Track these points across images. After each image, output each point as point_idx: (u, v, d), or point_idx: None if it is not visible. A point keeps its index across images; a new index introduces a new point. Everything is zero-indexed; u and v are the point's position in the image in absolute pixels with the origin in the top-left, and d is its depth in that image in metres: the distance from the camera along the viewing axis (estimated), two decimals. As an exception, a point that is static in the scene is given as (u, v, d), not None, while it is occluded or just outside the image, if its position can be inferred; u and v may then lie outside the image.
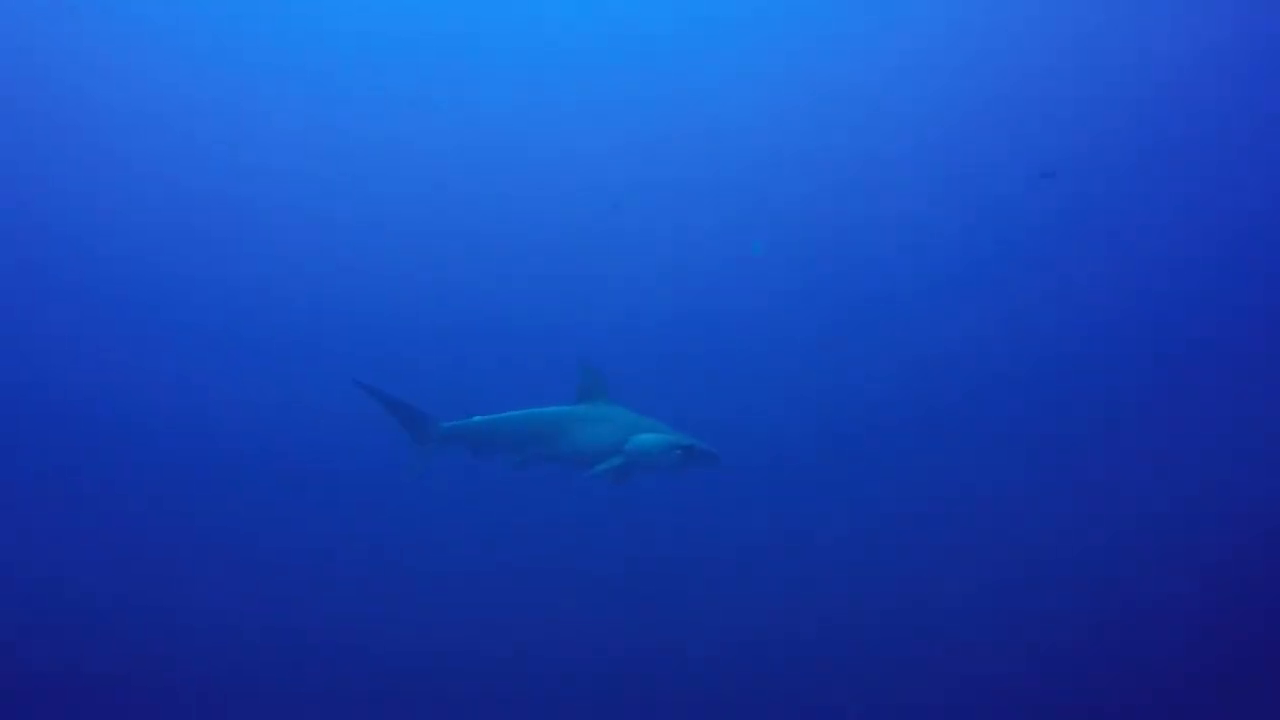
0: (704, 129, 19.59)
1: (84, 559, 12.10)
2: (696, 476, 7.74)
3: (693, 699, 9.36)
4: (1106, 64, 19.05)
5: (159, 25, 20.23)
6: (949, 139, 19.96)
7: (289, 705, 9.31)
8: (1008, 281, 18.84)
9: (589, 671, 9.64)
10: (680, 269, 19.91)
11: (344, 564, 12.23)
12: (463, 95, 21.55)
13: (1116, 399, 16.26)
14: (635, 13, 20.75)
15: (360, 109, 21.32)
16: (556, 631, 10.36)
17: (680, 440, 7.30)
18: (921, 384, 17.13)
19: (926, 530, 12.58)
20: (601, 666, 9.71)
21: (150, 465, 15.12)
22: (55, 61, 20.08)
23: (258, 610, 10.88)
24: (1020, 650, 9.50)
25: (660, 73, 20.82)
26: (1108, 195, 19.24)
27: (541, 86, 21.31)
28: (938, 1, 19.63)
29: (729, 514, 12.62)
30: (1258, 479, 12.45)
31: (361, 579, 11.77)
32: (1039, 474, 14.08)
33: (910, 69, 20.14)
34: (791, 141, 20.50)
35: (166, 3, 20.09)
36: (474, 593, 11.26)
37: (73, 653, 9.93)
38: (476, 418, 8.12)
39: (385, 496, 12.70)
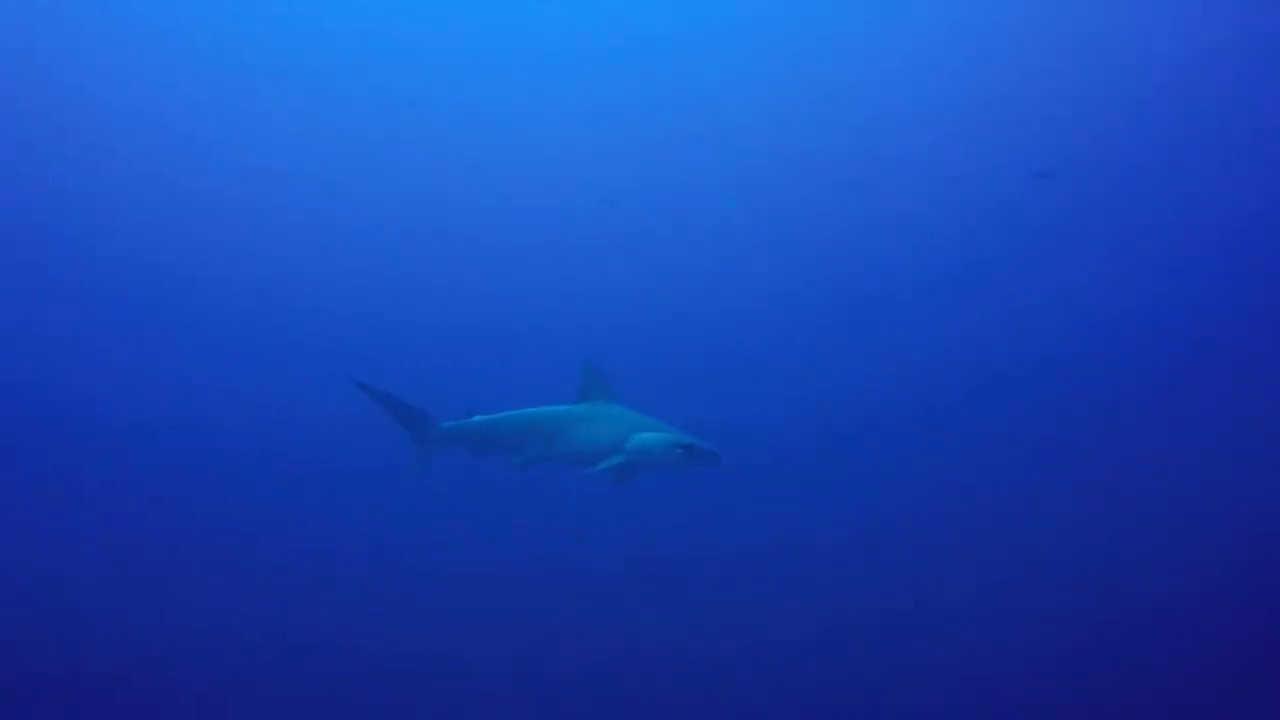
0: (704, 129, 19.57)
1: (84, 559, 12.09)
2: (697, 476, 7.74)
3: (693, 699, 9.36)
4: (1106, 64, 19.04)
5: (159, 25, 20.22)
6: (949, 139, 19.96)
7: (289, 705, 9.30)
8: (1008, 281, 18.85)
9: (589, 671, 9.64)
10: (680, 269, 19.91)
11: (344, 564, 12.22)
12: (463, 95, 21.56)
13: (1116, 399, 16.27)
14: (635, 13, 20.75)
15: (360, 109, 21.32)
16: (556, 631, 10.36)
17: (681, 439, 7.30)
18: (921, 384, 17.14)
19: (926, 530, 12.57)
20: (601, 666, 9.70)
21: (150, 465, 15.12)
22: (55, 61, 20.08)
23: (258, 610, 10.87)
24: (1020, 650, 9.49)
25: (660, 72, 20.82)
26: (1108, 195, 19.25)
27: (542, 87, 21.32)
28: (938, 1, 19.62)
29: (729, 514, 12.62)
30: (1258, 479, 12.45)
31: (361, 579, 11.76)
32: (1039, 474, 14.08)
33: (910, 69, 20.14)
34: (791, 141, 20.50)
35: (166, 3, 20.09)
36: (474, 593, 11.25)
37: (73, 653, 9.93)
38: (477, 417, 8.12)
39: (385, 496, 12.70)
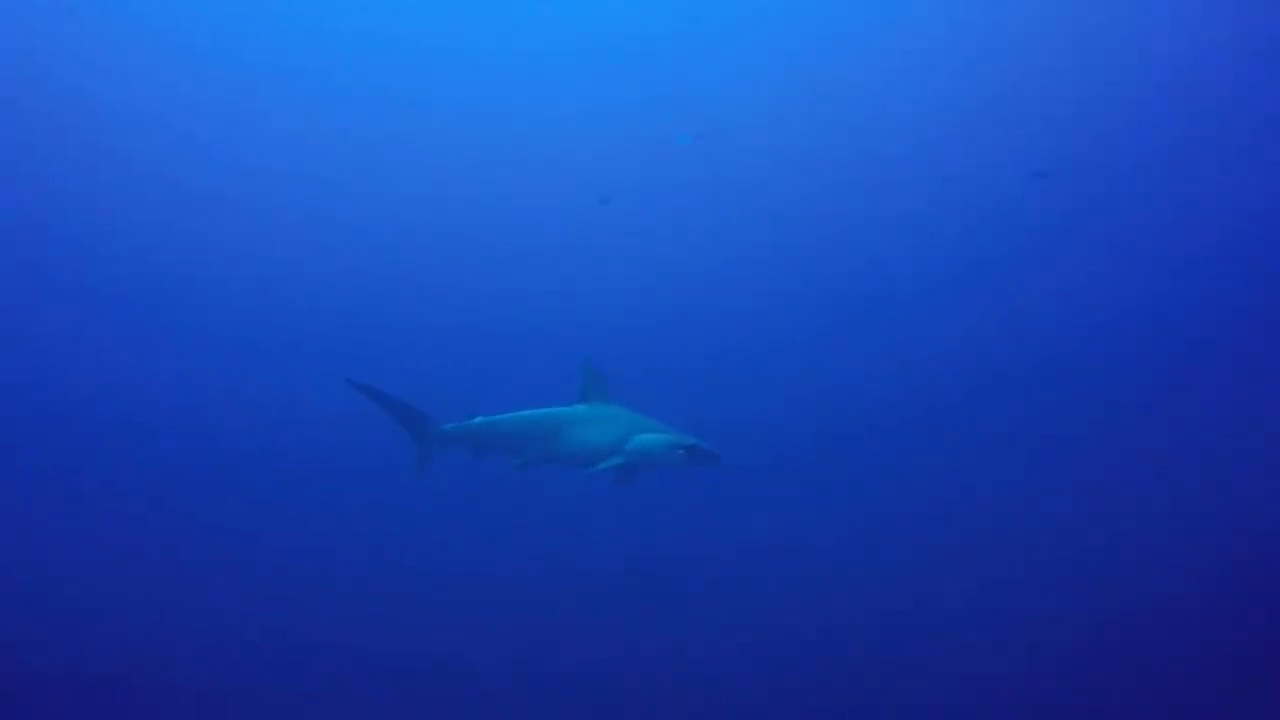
0: (704, 129, 19.58)
1: (84, 559, 12.09)
2: (697, 476, 7.73)
3: (693, 699, 9.36)
4: (1106, 64, 19.05)
5: (159, 25, 20.22)
6: (949, 139, 19.96)
7: (289, 705, 9.30)
8: (1008, 281, 18.85)
9: (589, 671, 9.64)
10: (680, 269, 19.92)
11: (344, 564, 12.22)
12: (464, 96, 21.56)
13: (1116, 399, 16.27)
14: (635, 13, 20.75)
15: (360, 109, 21.33)
16: (556, 631, 10.36)
17: (682, 440, 7.29)
18: (921, 384, 17.15)
19: (926, 530, 12.58)
20: (601, 666, 9.70)
21: (150, 465, 15.13)
22: (55, 61, 20.07)
23: (258, 610, 10.87)
24: (1020, 650, 9.49)
25: (660, 73, 20.81)
26: (1108, 195, 19.25)
27: (541, 87, 21.32)
28: (938, 1, 19.62)
29: (729, 514, 12.63)
30: (1258, 479, 12.45)
31: (361, 579, 11.76)
32: (1039, 474, 14.08)
33: (910, 69, 20.14)
34: (791, 141, 20.51)
35: (166, 3, 20.08)
36: (474, 593, 11.26)
37: (73, 653, 9.93)
38: (477, 419, 8.11)
39: (385, 496, 12.70)
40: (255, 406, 17.07)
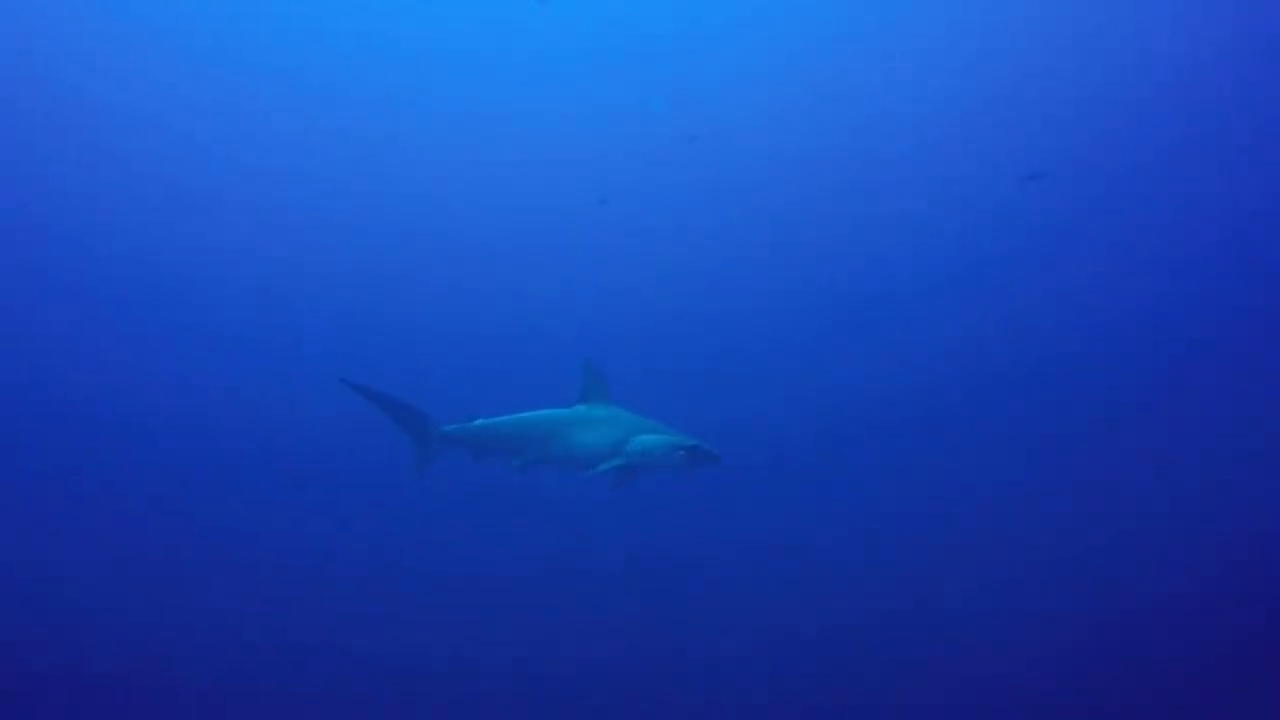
0: (704, 129, 19.58)
1: (84, 559, 12.10)
2: (697, 476, 7.73)
3: (693, 699, 9.36)
4: (1106, 64, 19.05)
5: (159, 25, 20.22)
6: (949, 139, 19.97)
7: (289, 705, 9.30)
8: (1007, 282, 18.86)
9: (589, 671, 9.64)
10: (680, 269, 19.92)
11: (344, 564, 12.23)
12: (463, 96, 21.55)
13: (1116, 399, 16.27)
14: (635, 13, 20.75)
15: (360, 109, 21.32)
16: (556, 631, 10.36)
17: (682, 441, 7.29)
18: (921, 384, 17.15)
19: (926, 530, 12.59)
20: (602, 666, 9.71)
21: (150, 465, 15.13)
22: (55, 61, 20.07)
23: (258, 610, 10.88)
24: (1020, 650, 9.50)
25: (660, 73, 20.81)
26: (1107, 196, 19.25)
27: (541, 87, 21.31)
28: (938, 1, 19.63)
29: (729, 514, 12.63)
30: (1258, 479, 12.46)
31: (361, 579, 11.77)
32: (1039, 474, 14.09)
33: (910, 69, 20.14)
34: (791, 141, 20.51)
35: (166, 3, 20.09)
36: (474, 593, 11.26)
37: (73, 653, 9.93)
38: (478, 421, 8.10)
39: (385, 496, 12.70)
40: (255, 406, 17.07)
